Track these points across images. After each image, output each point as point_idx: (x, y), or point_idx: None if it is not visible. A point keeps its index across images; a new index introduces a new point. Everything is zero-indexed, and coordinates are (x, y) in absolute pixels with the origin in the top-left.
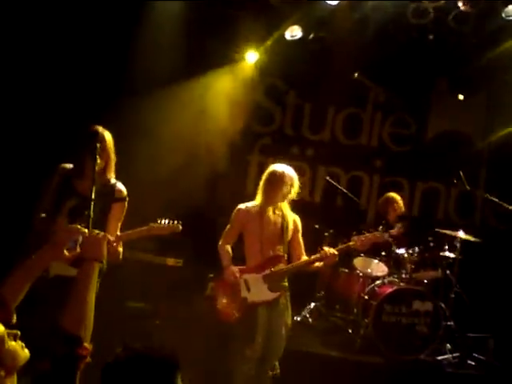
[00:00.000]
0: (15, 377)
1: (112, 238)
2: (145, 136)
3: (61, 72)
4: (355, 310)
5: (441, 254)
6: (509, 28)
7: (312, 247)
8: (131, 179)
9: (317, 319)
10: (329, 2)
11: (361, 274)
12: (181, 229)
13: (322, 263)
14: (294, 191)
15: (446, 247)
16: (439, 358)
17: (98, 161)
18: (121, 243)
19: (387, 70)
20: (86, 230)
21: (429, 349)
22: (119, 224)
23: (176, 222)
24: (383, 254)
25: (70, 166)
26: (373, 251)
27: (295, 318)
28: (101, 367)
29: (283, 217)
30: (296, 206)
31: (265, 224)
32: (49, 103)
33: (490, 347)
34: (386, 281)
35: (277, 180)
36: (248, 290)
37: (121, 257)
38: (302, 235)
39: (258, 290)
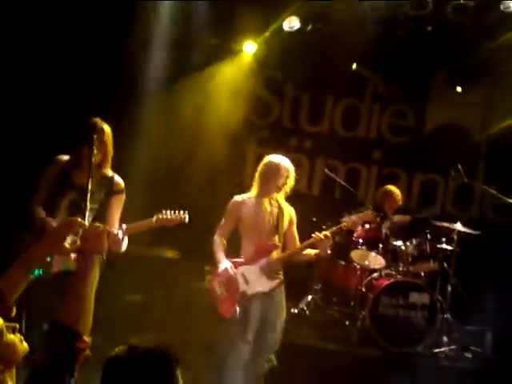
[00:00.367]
0: (14, 370)
1: (112, 231)
2: (143, 129)
3: (60, 64)
4: (352, 303)
5: (438, 246)
6: (507, 20)
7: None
8: (130, 171)
9: (314, 312)
10: None
11: (358, 267)
12: (188, 219)
13: (318, 250)
14: (290, 183)
15: (444, 239)
16: (436, 350)
17: (95, 152)
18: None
19: (386, 61)
20: (87, 223)
21: (426, 341)
22: (119, 216)
23: (182, 212)
24: (380, 246)
25: (66, 157)
26: (370, 243)
27: (292, 310)
28: (99, 360)
29: (279, 208)
30: (294, 198)
31: (261, 215)
32: (48, 96)
33: (487, 340)
34: (383, 273)
35: (272, 171)
36: (246, 282)
37: (124, 248)
38: (300, 228)
39: (256, 282)
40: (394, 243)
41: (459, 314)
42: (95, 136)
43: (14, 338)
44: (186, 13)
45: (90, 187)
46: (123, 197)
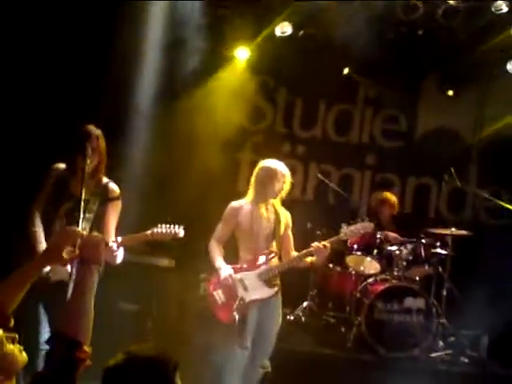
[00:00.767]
0: (14, 381)
1: (109, 239)
2: (136, 137)
3: (52, 70)
4: (348, 308)
5: (433, 250)
6: (498, 22)
7: (304, 246)
8: (124, 179)
9: (309, 318)
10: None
11: (353, 272)
12: (183, 234)
13: (315, 258)
14: (286, 187)
15: (438, 244)
16: (432, 355)
17: (88, 161)
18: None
19: (377, 66)
20: (85, 233)
21: (421, 346)
22: (115, 223)
23: (177, 226)
24: (375, 251)
25: (63, 165)
26: (365, 249)
27: (288, 316)
28: (96, 368)
29: (275, 213)
30: (288, 204)
31: (258, 220)
32: (42, 101)
33: (482, 344)
34: (378, 278)
35: (269, 176)
36: (245, 288)
37: (120, 260)
38: (294, 234)
39: (254, 288)
40: (389, 248)
41: (455, 318)
42: (88, 144)
43: (14, 348)
44: (178, 19)
45: (83, 196)
46: (119, 204)
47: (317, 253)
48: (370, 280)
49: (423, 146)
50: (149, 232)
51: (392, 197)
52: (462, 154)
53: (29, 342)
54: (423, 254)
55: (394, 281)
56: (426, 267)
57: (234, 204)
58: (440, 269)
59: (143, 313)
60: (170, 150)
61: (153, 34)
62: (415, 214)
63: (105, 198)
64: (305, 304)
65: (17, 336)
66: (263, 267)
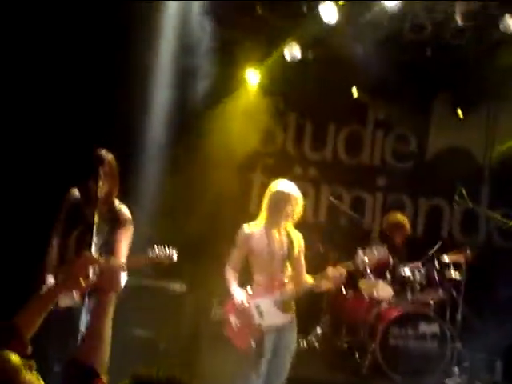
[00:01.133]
0: None
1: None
2: (148, 159)
3: (70, 96)
4: (362, 334)
5: (446, 274)
6: (507, 41)
7: (316, 269)
8: (136, 201)
9: (323, 343)
10: (326, 20)
11: (366, 297)
12: (175, 258)
13: (330, 283)
14: (299, 210)
15: (452, 267)
16: (447, 380)
17: (101, 185)
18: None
19: (386, 87)
20: (103, 260)
21: (437, 372)
22: (127, 248)
23: (171, 250)
24: (388, 275)
25: (77, 192)
26: (378, 273)
27: (301, 342)
28: None
29: (288, 236)
30: (300, 227)
31: (271, 245)
32: (58, 127)
33: (497, 368)
34: (391, 303)
35: (281, 200)
36: (261, 315)
37: (123, 285)
38: (306, 256)
39: (271, 315)
40: (402, 272)
41: (469, 342)
42: (101, 168)
43: (31, 376)
44: (188, 43)
45: (96, 220)
46: (130, 228)
47: (333, 278)
48: (384, 305)
49: (434, 166)
50: (143, 256)
51: (404, 220)
52: (474, 174)
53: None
54: (437, 277)
55: (408, 306)
56: (440, 291)
57: (246, 229)
58: (454, 292)
59: (155, 337)
60: (182, 173)
61: (163, 59)
62: (428, 235)
63: (116, 222)
64: (318, 330)
65: (34, 364)
66: (278, 293)
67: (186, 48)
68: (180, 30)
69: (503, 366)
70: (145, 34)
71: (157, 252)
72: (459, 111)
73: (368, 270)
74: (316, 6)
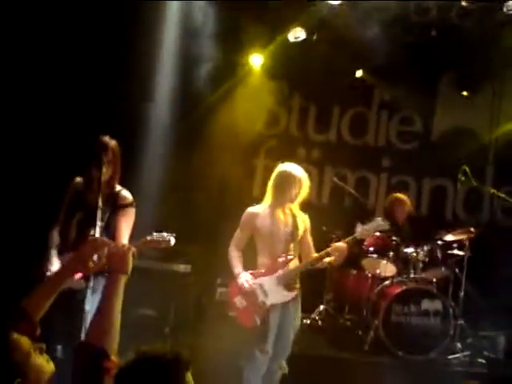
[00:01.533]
0: None
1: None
2: (153, 144)
3: (74, 82)
4: (364, 311)
5: (449, 252)
6: (511, 22)
7: (320, 249)
8: (140, 186)
9: (326, 321)
10: (331, 1)
11: (369, 275)
12: (173, 242)
13: (333, 258)
14: (304, 192)
15: (455, 245)
16: (450, 357)
17: (104, 171)
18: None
19: (391, 68)
20: (111, 242)
21: (439, 348)
22: (128, 230)
23: (169, 235)
24: (391, 254)
25: (80, 179)
26: (381, 251)
27: (304, 320)
28: None
29: (293, 216)
30: (304, 208)
31: (276, 225)
32: (62, 113)
33: (500, 345)
34: (394, 281)
35: (286, 181)
36: (265, 293)
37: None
38: (310, 237)
39: (274, 292)
40: (405, 250)
41: (472, 319)
42: (104, 155)
43: (42, 358)
44: (192, 27)
45: (100, 205)
46: (131, 211)
47: (335, 252)
48: (387, 283)
49: (439, 146)
50: (141, 241)
51: (406, 197)
52: (479, 153)
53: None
54: (440, 255)
55: (410, 283)
56: (443, 269)
57: (251, 209)
58: (457, 270)
59: (161, 318)
60: (186, 157)
61: (167, 44)
62: (431, 215)
63: (116, 205)
64: (321, 307)
65: (44, 346)
66: (281, 271)
67: (189, 33)
68: (184, 15)
69: (506, 343)
70: (149, 20)
71: (154, 236)
72: (464, 92)
73: (371, 249)
74: None
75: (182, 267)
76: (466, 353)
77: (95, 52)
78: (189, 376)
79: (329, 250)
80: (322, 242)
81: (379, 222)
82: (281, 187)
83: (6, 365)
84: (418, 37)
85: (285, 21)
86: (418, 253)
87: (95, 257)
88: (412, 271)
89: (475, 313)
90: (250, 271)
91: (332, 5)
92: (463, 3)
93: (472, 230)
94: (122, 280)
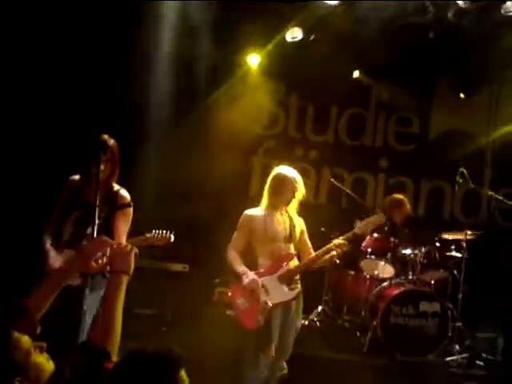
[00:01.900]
0: None
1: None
2: (152, 144)
3: (74, 81)
4: (363, 313)
5: (447, 254)
6: (508, 23)
7: (318, 249)
8: (140, 185)
9: (324, 322)
10: (328, 2)
11: (367, 276)
12: (173, 239)
13: (332, 254)
14: (299, 195)
15: (453, 247)
16: (448, 358)
17: (102, 169)
18: None
19: (389, 69)
20: (114, 242)
21: (437, 350)
22: (125, 230)
23: (169, 232)
24: (389, 255)
25: (77, 177)
26: (379, 253)
27: (302, 321)
28: None
29: (289, 218)
30: (301, 208)
31: (273, 227)
32: (61, 112)
33: (499, 347)
34: (392, 282)
35: (282, 184)
36: (267, 292)
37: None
38: (308, 238)
39: (276, 292)
40: (403, 252)
41: (470, 321)
42: (103, 154)
43: (42, 357)
44: (190, 27)
45: (98, 203)
46: (129, 211)
47: (336, 249)
48: (385, 284)
49: (436, 148)
50: (141, 237)
51: (404, 198)
52: (476, 155)
53: None
54: (438, 257)
55: (408, 285)
56: (441, 271)
57: (249, 212)
58: (455, 272)
59: (158, 317)
60: (183, 157)
61: (165, 43)
62: (429, 217)
63: (114, 204)
64: (319, 308)
65: (44, 345)
66: (282, 269)
67: (187, 33)
68: (181, 15)
69: (504, 345)
70: (147, 18)
71: (154, 234)
72: (462, 93)
73: (369, 250)
74: None
75: (180, 267)
76: (464, 355)
77: (94, 52)
78: (182, 374)
79: (329, 245)
80: (320, 243)
81: (377, 216)
82: (277, 190)
83: (6, 363)
84: (415, 38)
85: (282, 21)
86: (416, 254)
87: (98, 256)
88: (410, 273)
89: (473, 314)
90: (252, 272)
91: (330, 5)
92: (460, 4)
93: (469, 232)
94: (124, 280)
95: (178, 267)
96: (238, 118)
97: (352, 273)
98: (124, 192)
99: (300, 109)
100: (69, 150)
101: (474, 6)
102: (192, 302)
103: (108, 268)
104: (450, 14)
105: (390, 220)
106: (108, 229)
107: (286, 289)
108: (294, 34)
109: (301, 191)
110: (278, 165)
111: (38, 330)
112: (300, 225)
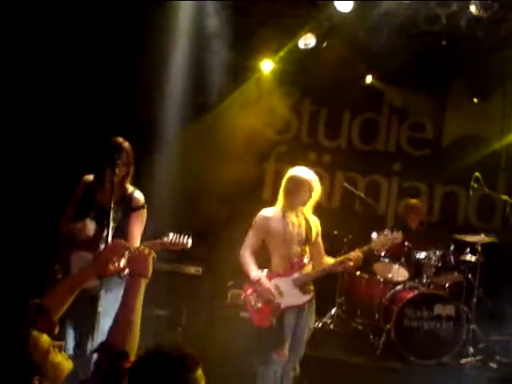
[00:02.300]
0: None
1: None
2: (166, 146)
3: (87, 84)
4: (376, 316)
5: (462, 257)
6: None
7: (331, 253)
8: (153, 188)
9: (338, 325)
10: (341, 9)
11: (381, 280)
12: (190, 244)
13: (347, 264)
14: (315, 196)
15: (468, 250)
16: (462, 361)
17: (117, 172)
18: None
19: (402, 75)
20: (131, 245)
21: (451, 353)
22: (140, 232)
23: (186, 237)
24: (403, 258)
25: (91, 177)
26: (392, 256)
27: (316, 324)
28: None
29: (305, 220)
30: (314, 212)
31: (289, 227)
32: (76, 115)
33: None
34: (406, 286)
35: (297, 184)
36: (280, 294)
37: None
38: (322, 241)
39: (290, 294)
40: (417, 255)
41: (484, 324)
42: (117, 156)
43: (61, 356)
44: (203, 32)
45: (112, 206)
46: (143, 213)
47: (351, 261)
48: (399, 287)
49: (450, 153)
50: (158, 241)
51: (419, 203)
52: (490, 160)
53: None
54: (452, 260)
55: (423, 288)
56: (456, 274)
57: (264, 212)
58: (470, 275)
59: (173, 320)
60: (197, 161)
61: (179, 49)
62: (444, 221)
63: (128, 207)
64: (333, 311)
65: (63, 344)
66: (298, 273)
67: (201, 38)
68: (195, 20)
69: None
70: (161, 22)
71: (171, 238)
72: (475, 98)
73: (383, 254)
74: None
75: (194, 269)
76: (478, 357)
77: (110, 56)
78: (199, 374)
79: (343, 258)
80: (333, 246)
81: (394, 235)
82: (292, 191)
83: (24, 362)
84: (428, 45)
85: (296, 26)
86: (430, 258)
87: (116, 260)
88: (424, 276)
89: (487, 317)
90: (266, 272)
91: (342, 12)
92: (473, 12)
93: (483, 236)
94: (143, 284)
95: (191, 270)
96: (251, 124)
97: (366, 276)
98: (138, 194)
99: (313, 114)
100: (82, 151)
101: (486, 14)
102: (206, 304)
103: (126, 271)
104: (462, 22)
105: (404, 224)
106: (123, 231)
107: (299, 292)
108: (307, 40)
109: (317, 191)
110: (292, 168)
111: (57, 330)
112: (316, 226)
